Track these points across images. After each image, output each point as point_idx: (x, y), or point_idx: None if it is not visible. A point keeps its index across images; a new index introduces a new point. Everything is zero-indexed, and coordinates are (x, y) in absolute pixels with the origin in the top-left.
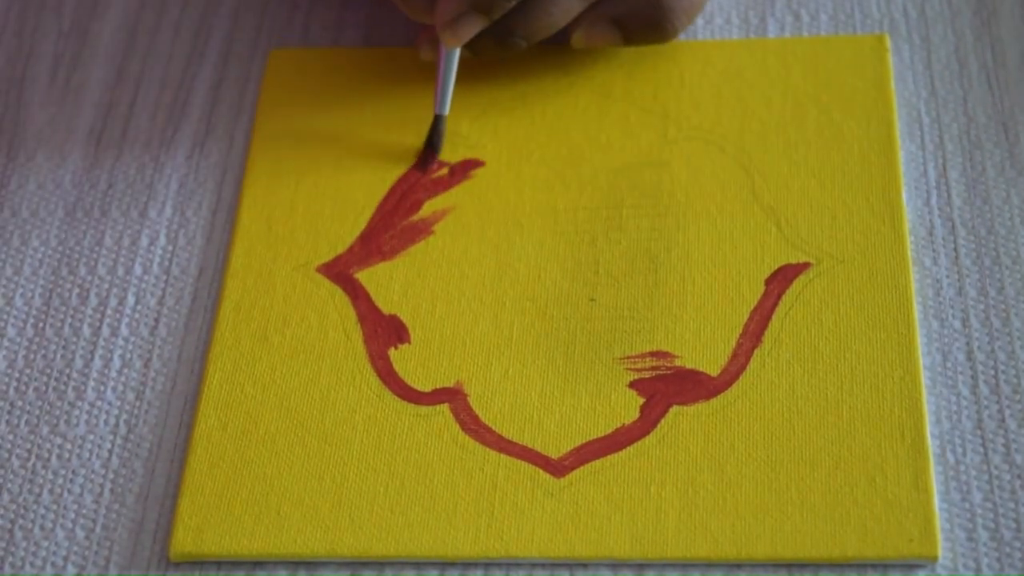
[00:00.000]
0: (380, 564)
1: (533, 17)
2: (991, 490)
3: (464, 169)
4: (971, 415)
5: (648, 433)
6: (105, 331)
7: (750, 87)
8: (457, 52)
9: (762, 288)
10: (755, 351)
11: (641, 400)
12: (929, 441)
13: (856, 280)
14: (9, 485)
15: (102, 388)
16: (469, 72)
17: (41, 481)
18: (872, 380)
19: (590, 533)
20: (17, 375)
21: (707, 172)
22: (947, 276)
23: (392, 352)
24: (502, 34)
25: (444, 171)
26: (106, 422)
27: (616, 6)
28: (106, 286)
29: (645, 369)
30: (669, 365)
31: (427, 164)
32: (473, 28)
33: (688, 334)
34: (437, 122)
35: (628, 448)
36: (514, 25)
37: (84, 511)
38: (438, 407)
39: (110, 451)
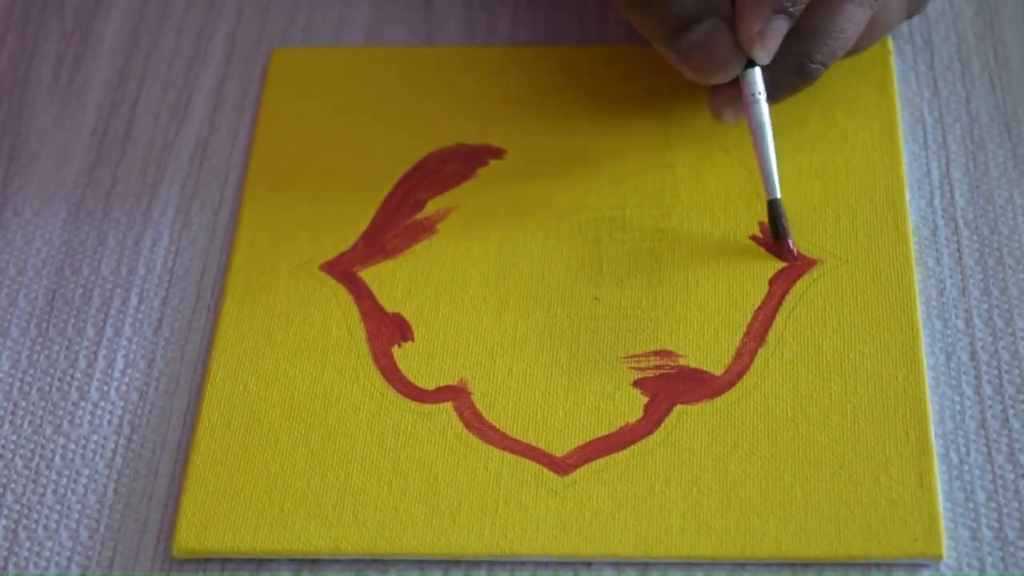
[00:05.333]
0: (384, 562)
1: (828, 39)
2: (995, 489)
3: (481, 155)
4: (975, 415)
5: (652, 432)
6: (108, 331)
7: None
8: (769, 131)
9: (766, 288)
10: (759, 351)
11: (645, 399)
12: (933, 441)
13: (860, 280)
14: (13, 485)
15: (105, 388)
16: (469, 72)
17: (45, 481)
18: (876, 380)
19: (594, 531)
20: (21, 375)
21: (710, 173)
22: (950, 276)
23: (396, 350)
24: (799, 64)
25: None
26: (109, 422)
27: None
28: (109, 286)
29: (649, 368)
30: (673, 364)
31: (785, 249)
32: (780, 33)
33: (692, 333)
34: (773, 207)
35: (632, 447)
36: (811, 51)
37: (88, 511)
38: (442, 405)
39: (114, 451)
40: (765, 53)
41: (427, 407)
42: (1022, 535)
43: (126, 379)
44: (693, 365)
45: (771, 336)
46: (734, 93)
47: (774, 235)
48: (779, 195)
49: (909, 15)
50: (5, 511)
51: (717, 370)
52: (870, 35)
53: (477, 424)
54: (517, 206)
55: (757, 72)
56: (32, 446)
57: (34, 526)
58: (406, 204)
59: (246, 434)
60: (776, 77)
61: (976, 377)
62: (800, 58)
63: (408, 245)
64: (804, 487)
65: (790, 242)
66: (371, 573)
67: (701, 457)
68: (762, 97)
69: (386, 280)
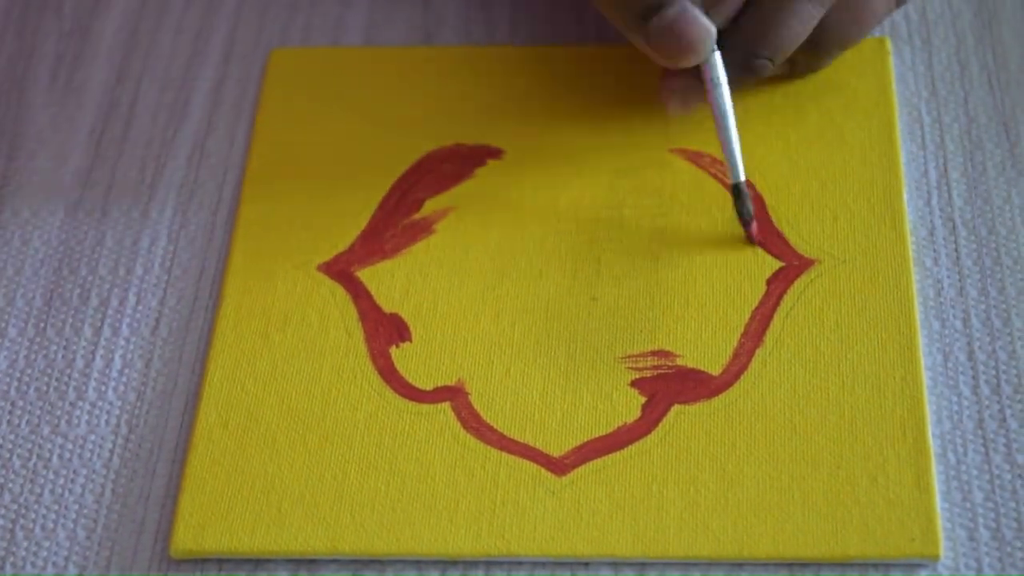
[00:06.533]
0: (381, 563)
1: (773, 35)
2: (992, 490)
3: (479, 155)
4: (972, 415)
5: (650, 432)
6: (106, 331)
7: (750, 88)
8: (732, 116)
9: (763, 288)
10: (757, 351)
11: (643, 399)
12: (931, 441)
13: (857, 280)
14: (10, 485)
15: (103, 388)
16: (468, 72)
17: (42, 481)
18: (873, 380)
19: (592, 532)
20: (18, 375)
21: (708, 173)
22: (948, 276)
23: (393, 350)
24: (746, 57)
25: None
26: (107, 422)
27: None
28: (107, 286)
29: (647, 368)
30: (671, 364)
31: (751, 232)
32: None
33: (690, 333)
34: (737, 191)
35: (630, 447)
36: (755, 47)
37: (85, 511)
38: (439, 405)
39: (111, 451)
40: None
41: (425, 407)
42: (1019, 535)
43: (124, 379)
44: (691, 365)
45: (769, 336)
46: (684, 83)
47: (740, 219)
48: (743, 179)
49: (899, 3)
50: (2, 511)
51: (715, 370)
52: (859, 28)
53: (475, 424)
54: (515, 206)
55: (718, 57)
56: (29, 446)
57: (31, 526)
58: (404, 204)
59: (244, 435)
60: (726, 66)
61: (973, 377)
62: (746, 52)
63: (406, 245)
64: (802, 487)
65: (753, 228)
66: (368, 573)
67: (699, 457)
68: (723, 82)
69: (384, 280)
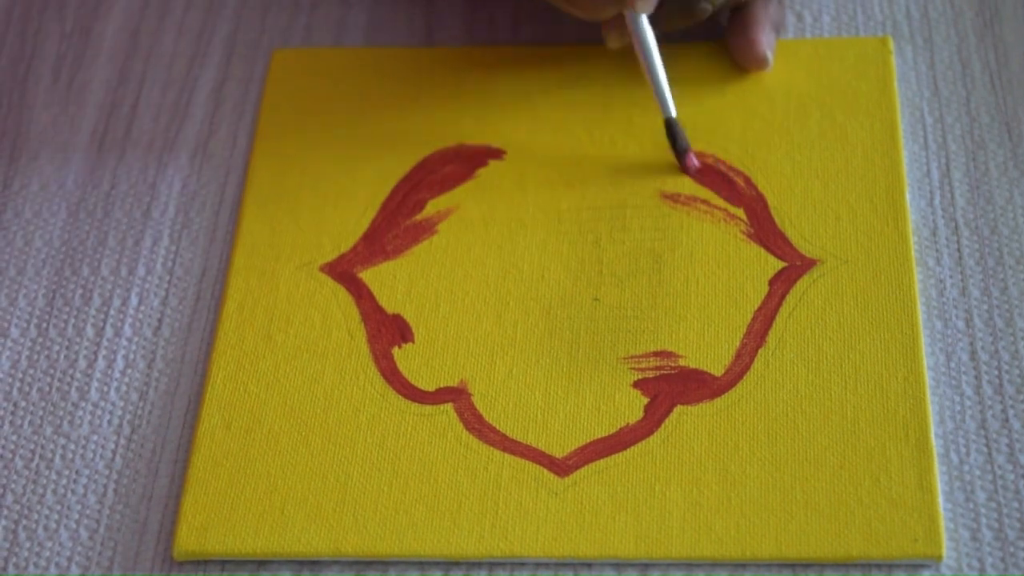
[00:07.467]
0: (384, 563)
1: None
2: (995, 490)
3: (481, 156)
4: (975, 415)
5: (652, 433)
6: (108, 331)
7: (753, 88)
8: (655, 50)
9: (766, 288)
10: (759, 351)
11: (645, 400)
12: (933, 441)
13: (860, 280)
14: (13, 486)
15: (105, 388)
16: (469, 72)
17: (45, 481)
18: (876, 380)
19: (594, 532)
20: (21, 375)
21: (711, 173)
22: (950, 276)
23: (396, 351)
24: (687, 3)
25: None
26: (110, 422)
27: None
28: (109, 286)
29: (649, 369)
30: (673, 365)
31: (687, 163)
32: None
33: (692, 334)
34: (670, 127)
35: (632, 448)
36: None
37: (88, 511)
38: (442, 406)
39: (114, 451)
40: (646, 5)
41: (427, 408)
42: (1022, 535)
43: (126, 379)
44: (693, 366)
45: (771, 336)
46: (619, 20)
47: (675, 153)
48: (674, 114)
49: None
50: (5, 511)
51: (717, 371)
52: None
53: (477, 425)
54: (517, 207)
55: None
56: (32, 446)
57: (34, 526)
58: (406, 205)
59: (246, 436)
60: (665, 8)
61: (976, 377)
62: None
63: (408, 246)
64: (804, 488)
65: (691, 156)
66: (371, 574)
67: (701, 458)
68: (643, 19)
69: (386, 281)
